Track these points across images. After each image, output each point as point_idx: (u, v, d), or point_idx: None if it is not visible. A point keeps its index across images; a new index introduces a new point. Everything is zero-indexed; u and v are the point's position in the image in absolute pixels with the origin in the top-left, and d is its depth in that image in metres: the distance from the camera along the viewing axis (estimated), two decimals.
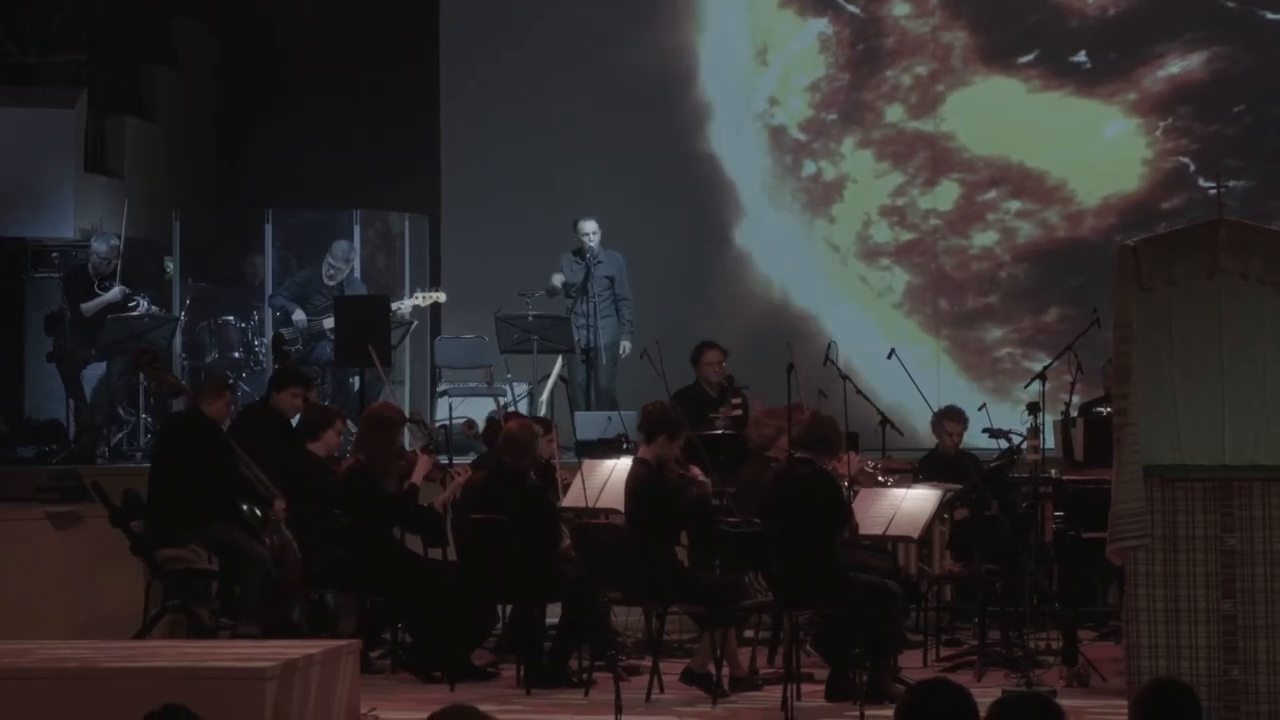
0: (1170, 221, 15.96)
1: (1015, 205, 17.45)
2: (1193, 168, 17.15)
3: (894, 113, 17.60)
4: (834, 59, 17.74)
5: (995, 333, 17.50)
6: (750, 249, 17.70)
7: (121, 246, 15.71)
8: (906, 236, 17.58)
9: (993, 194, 17.49)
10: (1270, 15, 17.12)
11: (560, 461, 12.74)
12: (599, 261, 15.83)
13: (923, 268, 17.55)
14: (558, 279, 15.80)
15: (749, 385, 14.09)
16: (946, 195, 17.49)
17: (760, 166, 17.76)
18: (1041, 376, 11.67)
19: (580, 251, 15.83)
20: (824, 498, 10.63)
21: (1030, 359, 17.09)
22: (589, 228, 15.84)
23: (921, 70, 17.56)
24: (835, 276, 17.65)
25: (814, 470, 10.67)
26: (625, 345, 15.76)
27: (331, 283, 15.75)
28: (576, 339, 15.63)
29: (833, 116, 17.72)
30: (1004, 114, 17.39)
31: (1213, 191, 16.21)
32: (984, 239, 17.49)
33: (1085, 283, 16.83)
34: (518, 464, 11.41)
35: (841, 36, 17.73)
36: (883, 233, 17.62)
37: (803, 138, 17.76)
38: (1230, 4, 17.15)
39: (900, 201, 17.59)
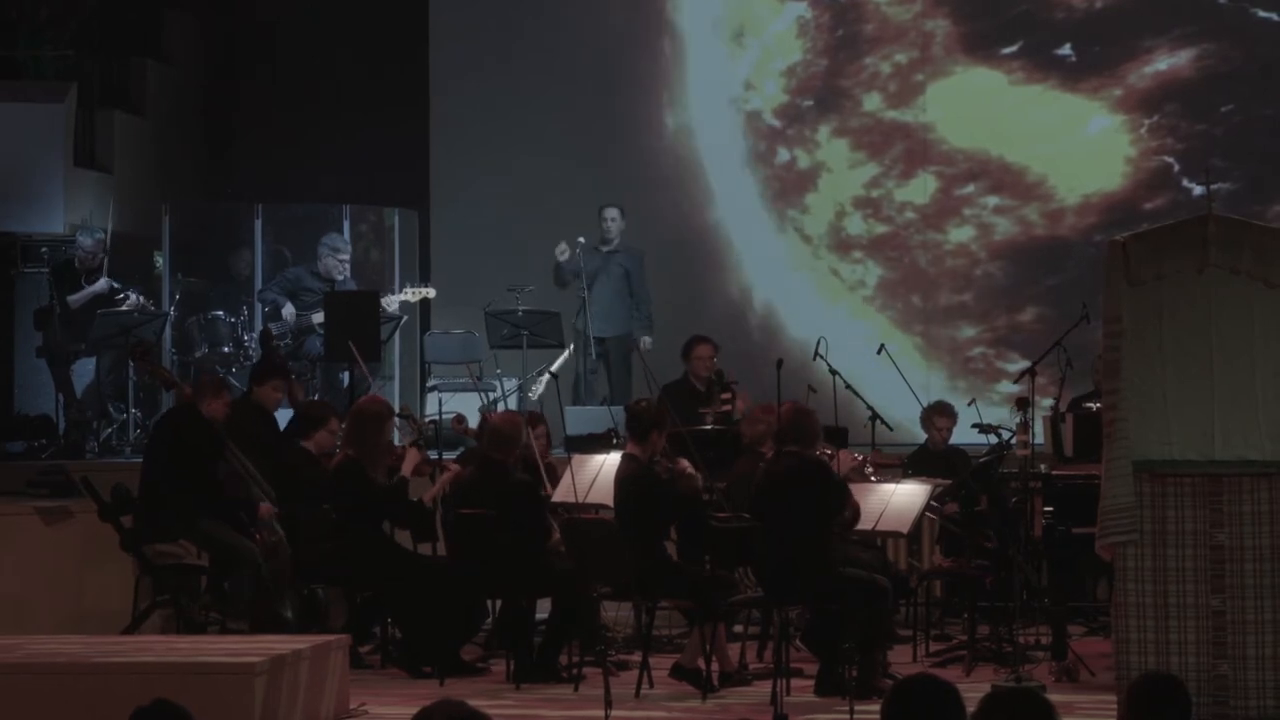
0: (1152, 223, 15.82)
1: (993, 201, 17.24)
2: (1177, 168, 16.94)
3: (872, 101, 17.40)
4: (812, 44, 17.55)
5: (969, 331, 17.31)
6: (723, 238, 17.52)
7: (108, 241, 15.70)
8: (880, 229, 17.38)
9: (970, 188, 17.27)
10: (1262, 13, 16.92)
11: (550, 458, 12.74)
12: (615, 251, 15.85)
13: (896, 262, 17.34)
14: (560, 251, 15.73)
15: (738, 380, 14.08)
16: (923, 188, 17.29)
17: (734, 152, 17.58)
18: (1031, 371, 11.67)
19: (603, 240, 15.85)
20: (816, 482, 10.62)
21: (1004, 359, 17.00)
22: (610, 214, 15.89)
23: (901, 58, 17.37)
24: (806, 268, 17.48)
25: (802, 459, 10.66)
26: (646, 340, 15.72)
27: (340, 277, 15.70)
28: (583, 328, 15.62)
29: (809, 103, 17.53)
30: (985, 106, 17.19)
31: (1199, 190, 16.17)
32: (960, 234, 17.28)
33: (1063, 282, 16.69)
34: (504, 458, 11.43)
35: (820, 21, 17.54)
36: (856, 224, 17.41)
37: (777, 124, 17.59)
38: (1221, 0, 17.02)
39: (875, 193, 17.38)
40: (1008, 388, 16.21)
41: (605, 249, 15.91)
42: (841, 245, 17.47)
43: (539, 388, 15.58)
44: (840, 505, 10.73)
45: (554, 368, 15.72)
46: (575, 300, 15.83)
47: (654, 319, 15.91)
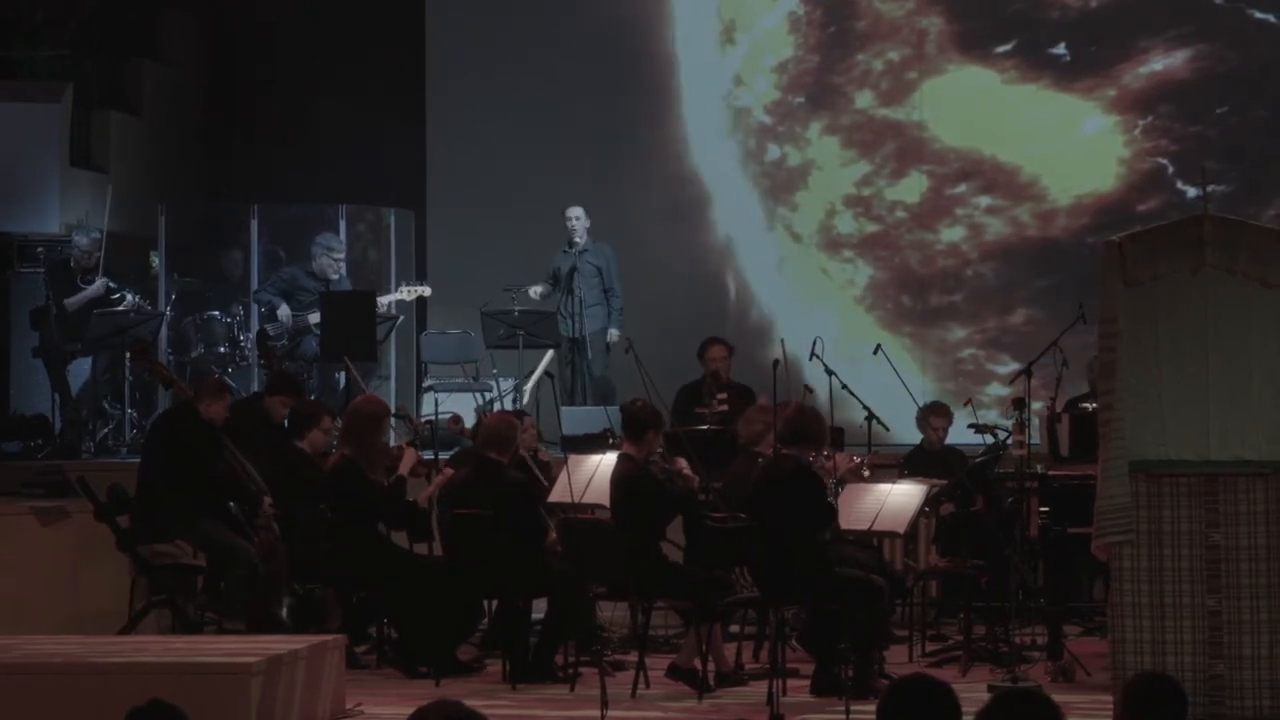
0: (1145, 225, 15.73)
1: (985, 201, 17.17)
2: (1171, 169, 16.88)
3: (864, 99, 17.33)
4: (804, 40, 17.47)
5: (959, 333, 17.25)
6: (712, 236, 17.49)
7: (104, 240, 15.70)
8: (871, 228, 17.32)
9: (962, 188, 17.21)
10: (1258, 14, 16.85)
11: (545, 452, 12.77)
12: (585, 250, 15.84)
13: (886, 261, 17.29)
14: (535, 291, 15.82)
15: (733, 382, 14.10)
16: (914, 187, 17.21)
17: (723, 149, 17.52)
18: (1027, 372, 11.68)
19: (570, 241, 15.88)
20: (807, 495, 10.63)
21: (994, 361, 16.96)
22: (574, 213, 15.88)
23: (894, 56, 17.30)
24: (796, 267, 17.43)
25: (798, 466, 10.66)
26: (613, 333, 15.77)
27: (335, 276, 15.70)
28: (562, 330, 15.66)
29: (800, 100, 17.47)
30: (978, 105, 17.11)
31: (1193, 192, 16.15)
32: (951, 234, 17.22)
33: (1055, 284, 16.62)
34: (500, 458, 11.43)
35: (813, 17, 17.47)
36: (846, 223, 17.34)
37: (768, 120, 17.53)
38: (1217, 1, 16.97)
39: (866, 191, 17.31)
40: (998, 390, 16.22)
41: (575, 249, 15.89)
42: (831, 244, 17.42)
43: (527, 389, 15.59)
44: (825, 523, 10.74)
45: (542, 367, 15.71)
46: (559, 302, 15.84)
47: (628, 315, 15.85)
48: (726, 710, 10.36)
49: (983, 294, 17.22)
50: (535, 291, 15.84)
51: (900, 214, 17.28)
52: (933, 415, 13.58)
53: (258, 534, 11.66)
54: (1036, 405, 12.75)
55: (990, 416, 14.06)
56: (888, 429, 13.45)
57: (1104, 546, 9.54)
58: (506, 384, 15.67)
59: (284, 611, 11.61)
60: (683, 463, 11.30)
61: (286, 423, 12.66)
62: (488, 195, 17.36)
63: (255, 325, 16.12)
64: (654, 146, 17.49)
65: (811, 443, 10.78)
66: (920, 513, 11.68)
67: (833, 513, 10.86)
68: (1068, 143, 17.08)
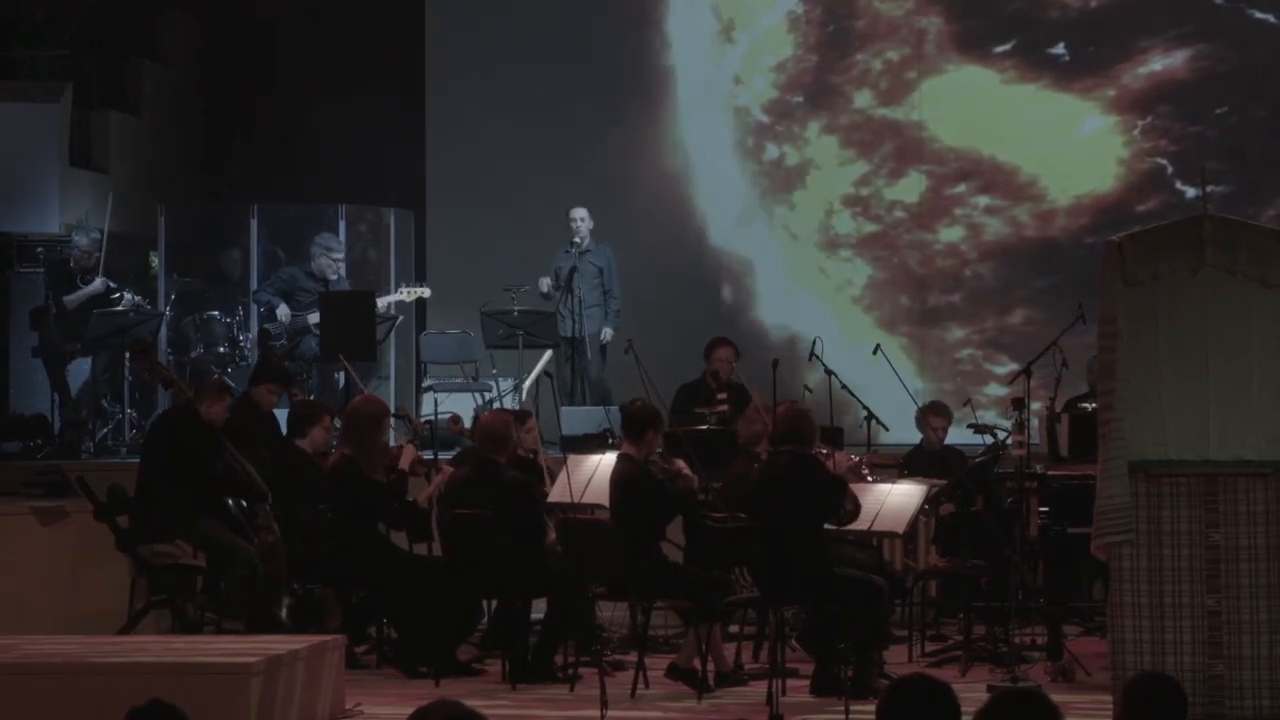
0: (1144, 225, 15.69)
1: (984, 201, 17.15)
2: (1170, 170, 16.88)
3: (863, 98, 17.32)
4: (803, 39, 17.46)
5: (957, 333, 17.25)
6: (710, 234, 17.47)
7: (104, 240, 15.71)
8: (869, 228, 17.31)
9: (961, 188, 17.19)
10: (1258, 14, 16.85)
11: (546, 455, 12.78)
12: (586, 250, 15.84)
13: (885, 261, 17.29)
14: (544, 283, 15.80)
15: (744, 382, 14.10)
16: (913, 187, 17.20)
17: (722, 148, 17.52)
18: (1027, 372, 11.69)
19: (572, 241, 15.88)
20: (815, 478, 10.62)
21: (992, 361, 16.95)
22: (578, 214, 15.88)
23: (893, 55, 17.29)
24: (794, 266, 17.42)
25: (798, 456, 10.66)
26: (607, 332, 15.75)
27: (334, 276, 15.70)
28: (561, 330, 15.65)
29: (798, 99, 17.46)
30: (977, 105, 17.10)
31: (1192, 193, 16.14)
32: (950, 234, 17.20)
33: (1054, 284, 16.60)
34: (498, 457, 11.44)
35: (812, 16, 17.47)
36: (845, 223, 17.34)
37: (766, 119, 17.53)
38: (1217, 1, 16.97)
39: (865, 191, 17.30)
40: (996, 390, 16.22)
41: (577, 249, 15.88)
42: (830, 244, 17.41)
43: (525, 388, 15.59)
44: (840, 499, 10.73)
45: (540, 367, 15.71)
46: (559, 301, 15.83)
47: (627, 315, 15.84)
48: (726, 710, 10.36)
49: (981, 294, 17.20)
50: (544, 283, 15.80)
51: (899, 214, 17.26)
52: (932, 415, 13.58)
53: (258, 534, 11.66)
54: (1036, 405, 12.76)
55: (989, 416, 14.07)
56: (887, 429, 13.45)
57: (1103, 546, 9.54)
58: (506, 384, 15.67)
59: (284, 611, 11.61)
60: (682, 463, 11.30)
61: (287, 422, 12.67)
62: (488, 195, 17.36)
63: (255, 325, 16.12)
64: (652, 146, 17.49)
65: (803, 441, 10.78)
66: (920, 513, 11.68)
67: (843, 484, 10.81)
68: (1067, 143, 17.06)
